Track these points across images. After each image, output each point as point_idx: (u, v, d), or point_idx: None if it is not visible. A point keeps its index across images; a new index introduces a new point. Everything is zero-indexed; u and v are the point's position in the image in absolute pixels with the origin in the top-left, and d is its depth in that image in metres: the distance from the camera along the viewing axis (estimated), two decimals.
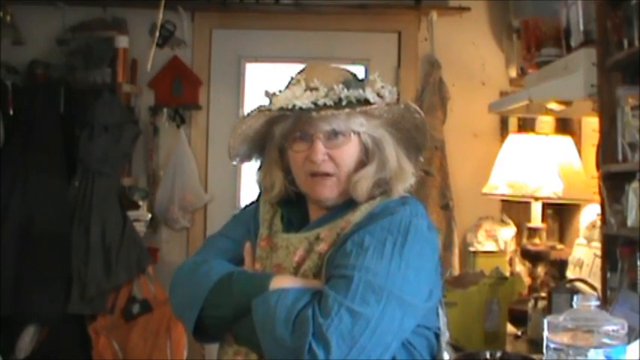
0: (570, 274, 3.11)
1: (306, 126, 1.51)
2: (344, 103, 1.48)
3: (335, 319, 1.35)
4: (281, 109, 1.50)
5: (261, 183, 1.64)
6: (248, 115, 1.58)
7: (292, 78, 1.60)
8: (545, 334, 1.44)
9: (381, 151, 1.55)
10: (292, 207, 1.62)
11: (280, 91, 1.56)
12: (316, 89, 1.50)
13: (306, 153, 1.52)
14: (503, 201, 3.70)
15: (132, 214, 3.66)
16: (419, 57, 3.81)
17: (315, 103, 1.48)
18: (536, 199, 3.28)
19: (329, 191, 1.54)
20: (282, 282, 1.46)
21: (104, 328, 3.48)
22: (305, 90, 1.51)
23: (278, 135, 1.57)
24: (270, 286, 1.44)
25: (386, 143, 1.55)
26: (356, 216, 1.53)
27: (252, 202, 1.71)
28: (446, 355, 1.60)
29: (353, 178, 1.53)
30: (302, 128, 1.52)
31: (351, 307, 1.36)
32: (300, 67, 1.64)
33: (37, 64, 3.71)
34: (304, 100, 1.49)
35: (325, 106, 1.48)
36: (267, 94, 1.58)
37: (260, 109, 1.55)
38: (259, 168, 1.65)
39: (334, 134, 1.51)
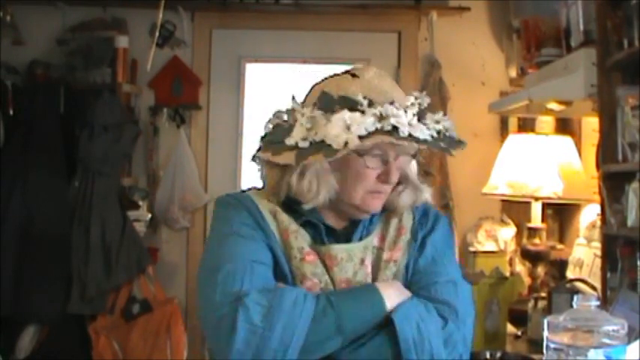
0: (570, 274, 3.11)
1: (389, 147, 1.45)
2: (442, 136, 1.46)
3: (464, 328, 1.47)
4: (412, 138, 1.40)
5: (301, 188, 1.45)
6: (370, 133, 1.40)
7: (357, 77, 1.48)
8: (545, 334, 1.44)
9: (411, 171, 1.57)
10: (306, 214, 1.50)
11: (390, 107, 1.42)
12: (418, 117, 1.45)
13: (378, 170, 1.46)
14: (503, 201, 3.70)
15: (132, 214, 3.66)
16: (419, 57, 3.81)
17: (432, 136, 1.44)
18: (536, 199, 3.28)
19: (380, 204, 1.52)
20: (391, 294, 1.42)
21: (104, 328, 3.48)
22: (413, 116, 1.44)
23: (351, 148, 1.42)
24: (388, 304, 1.40)
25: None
26: (406, 221, 1.56)
27: (232, 211, 1.49)
28: None
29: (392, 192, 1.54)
30: (383, 148, 1.45)
31: (470, 311, 1.50)
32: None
33: (37, 64, 3.71)
34: (424, 132, 1.42)
35: (433, 139, 1.44)
36: (372, 106, 1.42)
37: (391, 135, 1.40)
38: (299, 172, 1.45)
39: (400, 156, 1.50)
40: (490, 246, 3.64)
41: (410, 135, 1.40)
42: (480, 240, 3.66)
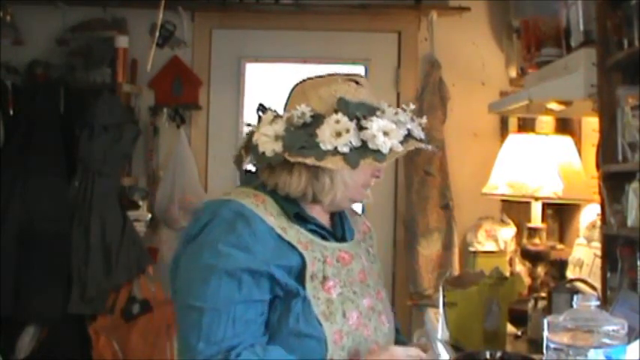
0: (570, 274, 3.11)
1: None
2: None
3: None
4: (423, 141, 1.56)
5: (330, 189, 1.55)
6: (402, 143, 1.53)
7: (351, 82, 1.57)
8: (545, 334, 1.44)
9: None
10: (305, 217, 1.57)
11: (395, 113, 1.53)
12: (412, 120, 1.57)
13: (374, 168, 1.58)
14: (503, 201, 3.70)
15: (132, 214, 3.66)
16: (419, 57, 3.81)
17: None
18: (536, 199, 3.28)
19: None
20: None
21: (104, 328, 3.48)
22: (411, 120, 1.56)
23: (399, 152, 1.55)
24: None
25: None
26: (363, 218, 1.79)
27: (226, 235, 1.48)
28: (445, 355, 1.62)
29: None
30: None
31: None
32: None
33: (37, 64, 3.71)
34: (420, 133, 1.56)
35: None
36: (383, 111, 1.53)
37: (413, 142, 1.54)
38: (330, 175, 1.54)
39: None
40: (490, 246, 3.64)
41: (420, 138, 1.55)
42: (480, 240, 3.66)
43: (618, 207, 2.35)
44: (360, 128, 1.49)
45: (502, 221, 3.72)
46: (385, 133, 1.48)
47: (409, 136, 1.52)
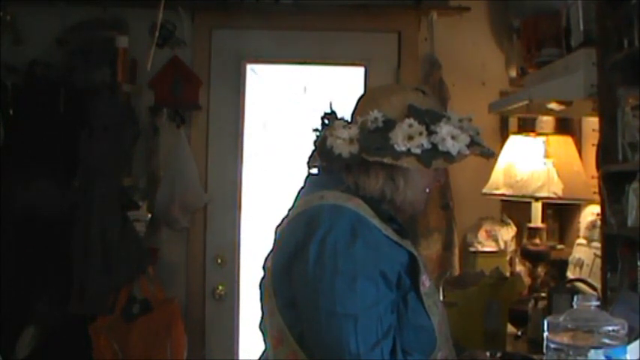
0: (570, 274, 3.11)
1: None
2: None
3: None
4: (483, 146, 1.69)
5: (404, 189, 1.68)
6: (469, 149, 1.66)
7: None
8: (545, 334, 1.44)
9: None
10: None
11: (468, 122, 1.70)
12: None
13: (436, 174, 1.74)
14: (503, 201, 3.70)
15: (132, 214, 3.65)
16: (419, 57, 3.81)
17: None
18: (536, 199, 3.28)
19: None
20: None
21: (104, 328, 3.48)
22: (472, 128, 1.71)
23: (466, 155, 1.68)
24: None
25: None
26: None
27: (362, 247, 1.56)
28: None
29: None
30: None
31: None
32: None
33: (37, 64, 3.71)
34: (481, 140, 1.70)
35: None
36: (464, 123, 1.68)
37: (477, 147, 1.67)
38: (404, 175, 1.67)
39: None
40: (490, 246, 3.65)
41: (482, 144, 1.68)
42: (480, 240, 3.67)
43: (618, 207, 2.35)
44: (430, 133, 1.61)
45: (502, 221, 3.72)
46: (453, 137, 1.61)
47: (472, 141, 1.64)
